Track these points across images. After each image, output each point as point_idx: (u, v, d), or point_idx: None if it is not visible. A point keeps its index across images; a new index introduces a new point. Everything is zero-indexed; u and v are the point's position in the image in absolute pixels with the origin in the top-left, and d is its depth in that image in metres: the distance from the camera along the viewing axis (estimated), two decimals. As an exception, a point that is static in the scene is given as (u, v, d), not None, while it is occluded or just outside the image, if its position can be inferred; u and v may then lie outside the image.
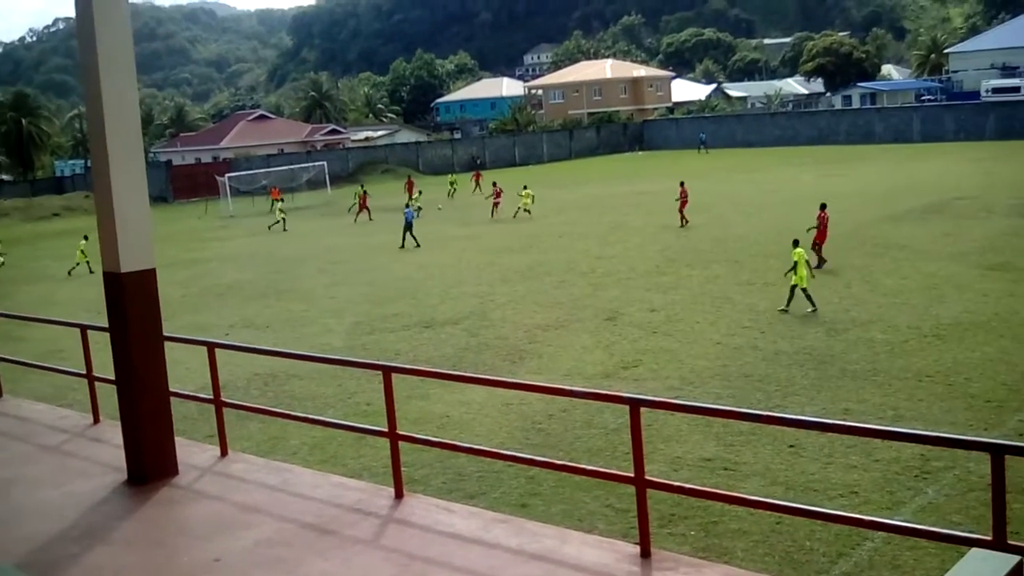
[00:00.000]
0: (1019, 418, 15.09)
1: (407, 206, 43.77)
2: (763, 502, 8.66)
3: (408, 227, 40.19)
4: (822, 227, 28.78)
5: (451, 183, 64.49)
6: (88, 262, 38.79)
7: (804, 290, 23.15)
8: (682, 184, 40.38)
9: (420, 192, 55.81)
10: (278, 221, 51.00)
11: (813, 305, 23.03)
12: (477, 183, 64.73)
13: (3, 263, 43.48)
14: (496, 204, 49.18)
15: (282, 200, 55.37)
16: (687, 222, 39.16)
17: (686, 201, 39.61)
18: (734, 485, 12.79)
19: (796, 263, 23.28)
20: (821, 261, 28.16)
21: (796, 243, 24.11)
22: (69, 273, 39.09)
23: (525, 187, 48.93)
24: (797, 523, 11.49)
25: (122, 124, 9.76)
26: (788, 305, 23.18)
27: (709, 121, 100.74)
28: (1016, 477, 11.83)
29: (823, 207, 29.19)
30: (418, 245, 39.62)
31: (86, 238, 39.77)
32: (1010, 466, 6.29)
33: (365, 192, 54.13)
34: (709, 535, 11.66)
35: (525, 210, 47.14)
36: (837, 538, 11.26)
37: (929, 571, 10.12)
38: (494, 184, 51.53)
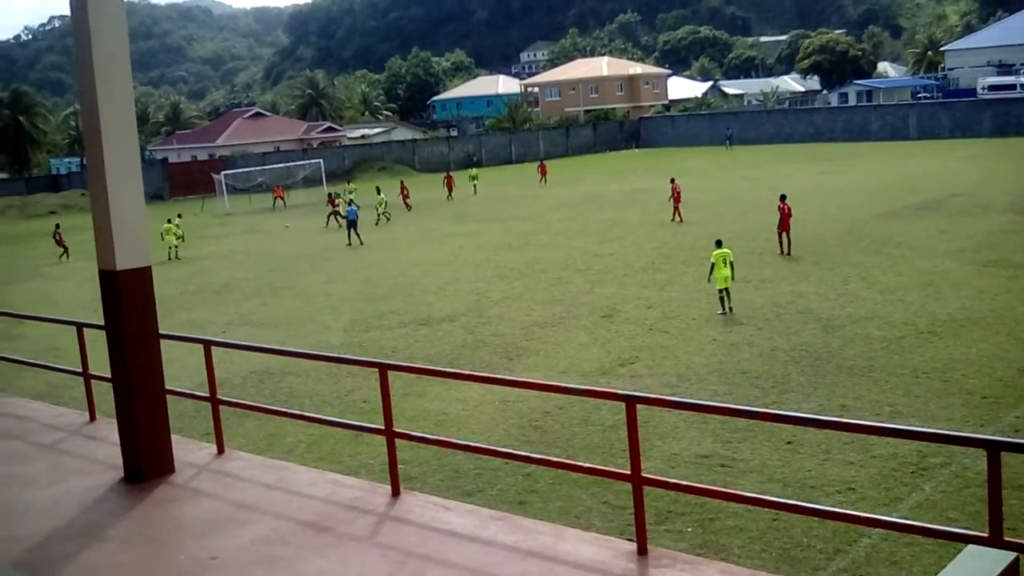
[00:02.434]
0: (1015, 414, 15.10)
1: (350, 203, 44.27)
2: (760, 499, 8.65)
3: (352, 224, 41.34)
4: (784, 217, 30.28)
5: (472, 178, 63.40)
6: (176, 247, 40.88)
7: (720, 290, 23.21)
8: (673, 180, 40.73)
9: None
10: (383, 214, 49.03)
11: (723, 309, 23.12)
12: (543, 175, 65.55)
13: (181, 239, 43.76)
14: (334, 213, 48.95)
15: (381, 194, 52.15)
16: (682, 219, 39.29)
17: (680, 197, 39.93)
18: (731, 482, 12.80)
19: (713, 264, 23.30)
20: (787, 249, 30.17)
21: (719, 243, 24.15)
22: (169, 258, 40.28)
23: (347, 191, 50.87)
24: (794, 520, 11.50)
25: (118, 122, 9.73)
26: (728, 307, 23.19)
27: (705, 118, 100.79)
28: (1012, 474, 11.86)
29: (783, 198, 30.79)
30: (361, 242, 40.74)
31: (169, 220, 42.18)
32: (1006, 463, 6.29)
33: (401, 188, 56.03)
34: (706, 532, 11.67)
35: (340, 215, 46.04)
36: (834, 535, 11.27)
37: (926, 567, 10.13)
38: (331, 195, 51.59)
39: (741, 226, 36.85)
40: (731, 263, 23.49)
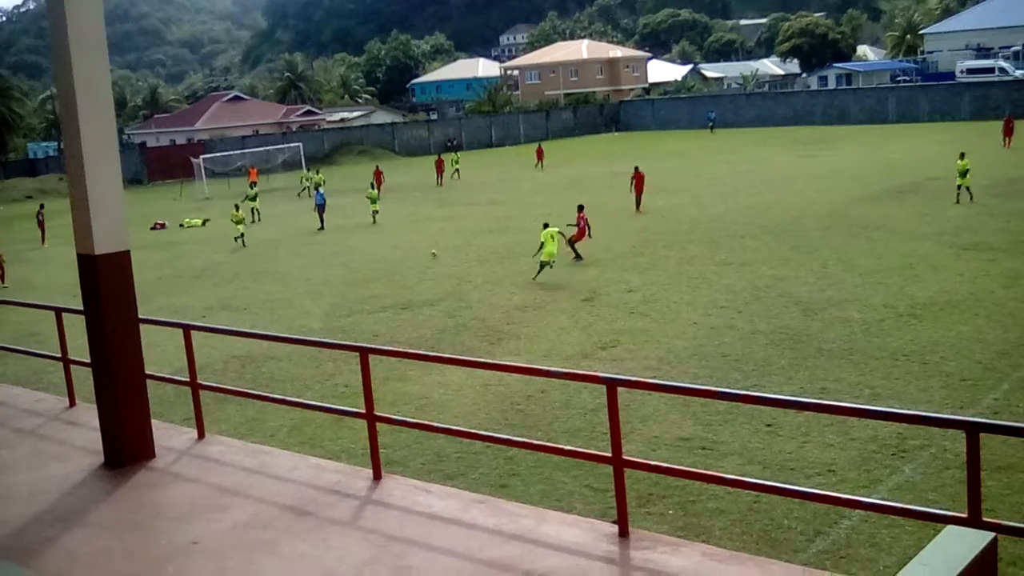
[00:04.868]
0: (994, 396, 15.19)
1: (317, 188, 45.26)
2: (741, 481, 8.68)
3: (320, 209, 42.16)
4: (581, 227, 30.01)
5: (454, 163, 62.45)
6: (243, 235, 38.94)
7: (543, 262, 26.23)
8: (636, 168, 40.43)
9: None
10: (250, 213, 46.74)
11: (542, 270, 26.44)
12: (539, 159, 65.02)
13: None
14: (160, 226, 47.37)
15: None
16: (640, 208, 39.17)
17: (642, 185, 39.58)
18: (712, 464, 12.84)
19: (543, 242, 26.23)
20: (577, 256, 29.38)
21: (546, 225, 27.18)
22: (235, 239, 38.89)
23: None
24: (774, 502, 11.55)
25: (95, 105, 9.66)
26: (551, 264, 26.36)
27: (685, 102, 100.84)
28: (991, 455, 11.95)
29: (580, 208, 30.66)
30: (322, 227, 41.19)
31: (237, 207, 40.74)
32: (985, 444, 6.34)
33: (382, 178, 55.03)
34: (687, 514, 11.71)
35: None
36: (814, 516, 11.32)
37: (906, 548, 10.19)
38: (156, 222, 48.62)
39: (722, 209, 36.93)
40: (558, 236, 26.85)
